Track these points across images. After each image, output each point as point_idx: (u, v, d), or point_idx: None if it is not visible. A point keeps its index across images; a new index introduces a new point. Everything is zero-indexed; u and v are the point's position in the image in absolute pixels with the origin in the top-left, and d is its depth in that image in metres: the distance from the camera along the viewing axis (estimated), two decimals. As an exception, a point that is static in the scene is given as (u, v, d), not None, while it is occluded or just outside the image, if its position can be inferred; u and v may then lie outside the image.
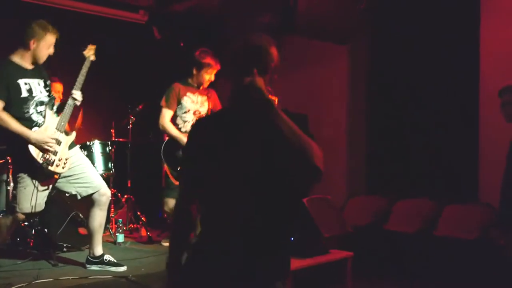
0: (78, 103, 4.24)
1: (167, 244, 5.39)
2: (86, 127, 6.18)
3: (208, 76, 5.24)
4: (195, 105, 5.29)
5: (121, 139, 6.35)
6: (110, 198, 4.44)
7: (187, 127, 5.21)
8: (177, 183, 5.14)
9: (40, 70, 4.22)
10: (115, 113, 6.47)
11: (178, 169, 5.12)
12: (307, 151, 1.96)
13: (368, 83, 6.75)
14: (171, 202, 5.19)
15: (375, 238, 5.56)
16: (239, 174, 1.99)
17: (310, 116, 6.75)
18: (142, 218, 6.06)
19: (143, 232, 5.91)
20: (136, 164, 6.40)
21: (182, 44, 7.29)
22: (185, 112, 5.24)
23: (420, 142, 6.07)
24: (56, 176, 4.19)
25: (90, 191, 4.31)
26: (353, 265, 4.70)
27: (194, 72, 5.25)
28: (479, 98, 5.54)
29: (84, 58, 4.34)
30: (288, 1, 5.39)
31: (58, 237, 4.91)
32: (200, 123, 2.35)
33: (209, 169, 2.05)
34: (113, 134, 6.35)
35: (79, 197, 4.35)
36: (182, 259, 2.11)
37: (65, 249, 4.97)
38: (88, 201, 4.37)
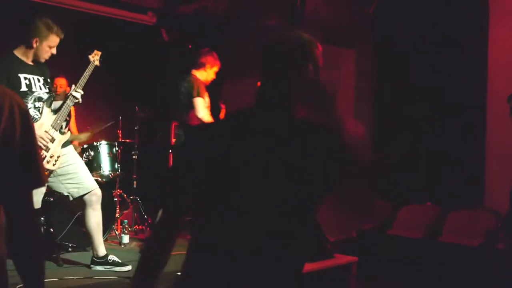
0: (79, 102, 4.23)
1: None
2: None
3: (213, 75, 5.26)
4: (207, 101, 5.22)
5: (128, 140, 6.35)
6: (100, 198, 4.36)
7: None
8: None
9: (41, 67, 4.20)
10: (123, 114, 6.47)
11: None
12: None
13: (374, 87, 6.72)
14: None
15: (379, 243, 5.54)
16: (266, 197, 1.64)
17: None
18: (148, 219, 6.07)
19: (149, 233, 5.91)
20: (143, 165, 6.41)
21: (190, 46, 7.30)
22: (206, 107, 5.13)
23: (425, 147, 6.04)
24: (46, 173, 4.16)
25: (82, 192, 4.28)
26: (357, 269, 4.69)
27: (207, 69, 5.23)
28: (486, 102, 5.52)
29: (88, 61, 4.34)
30: (295, 4, 5.40)
31: (64, 237, 4.91)
32: (210, 129, 1.84)
33: (220, 187, 1.66)
34: (120, 135, 6.36)
35: (71, 198, 4.33)
36: None
37: (70, 249, 4.96)
38: (82, 203, 4.34)
